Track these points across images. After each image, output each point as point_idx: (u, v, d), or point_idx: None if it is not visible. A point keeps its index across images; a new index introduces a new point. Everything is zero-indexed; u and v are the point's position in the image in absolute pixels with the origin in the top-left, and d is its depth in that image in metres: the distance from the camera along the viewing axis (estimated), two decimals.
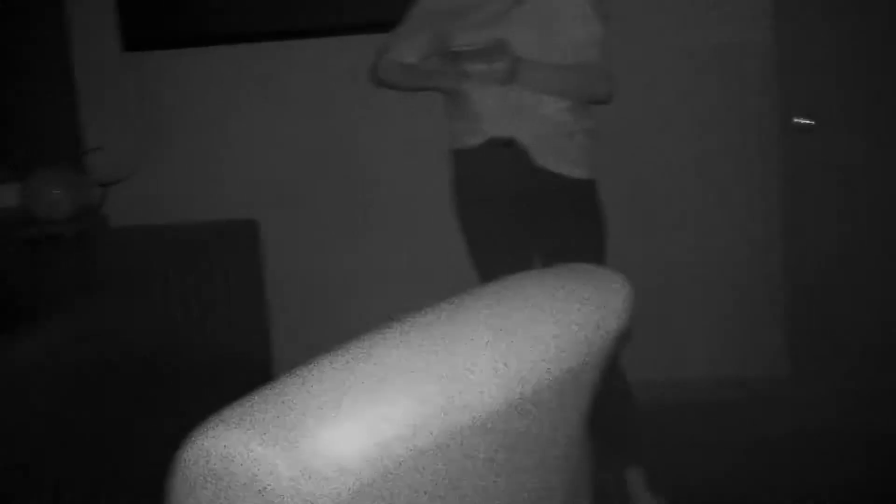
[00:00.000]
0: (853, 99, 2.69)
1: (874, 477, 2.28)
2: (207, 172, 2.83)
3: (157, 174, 2.83)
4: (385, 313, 2.61)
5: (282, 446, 0.56)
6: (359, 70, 2.45)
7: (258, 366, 2.36)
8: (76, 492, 1.29)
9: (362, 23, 2.69)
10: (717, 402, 2.77)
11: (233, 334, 2.15)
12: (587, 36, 2.03)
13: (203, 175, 2.83)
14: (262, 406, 0.59)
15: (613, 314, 0.84)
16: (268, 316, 2.49)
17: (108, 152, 2.67)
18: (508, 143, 2.07)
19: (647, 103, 2.73)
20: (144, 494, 1.64)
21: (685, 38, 2.69)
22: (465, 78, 1.99)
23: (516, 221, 2.15)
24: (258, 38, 2.74)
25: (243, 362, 2.21)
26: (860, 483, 2.25)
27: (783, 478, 2.33)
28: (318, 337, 2.84)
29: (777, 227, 2.78)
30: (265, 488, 0.56)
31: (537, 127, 2.05)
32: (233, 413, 0.59)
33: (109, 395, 1.43)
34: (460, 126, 2.13)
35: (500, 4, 2.04)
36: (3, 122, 2.62)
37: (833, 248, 2.76)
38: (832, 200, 2.76)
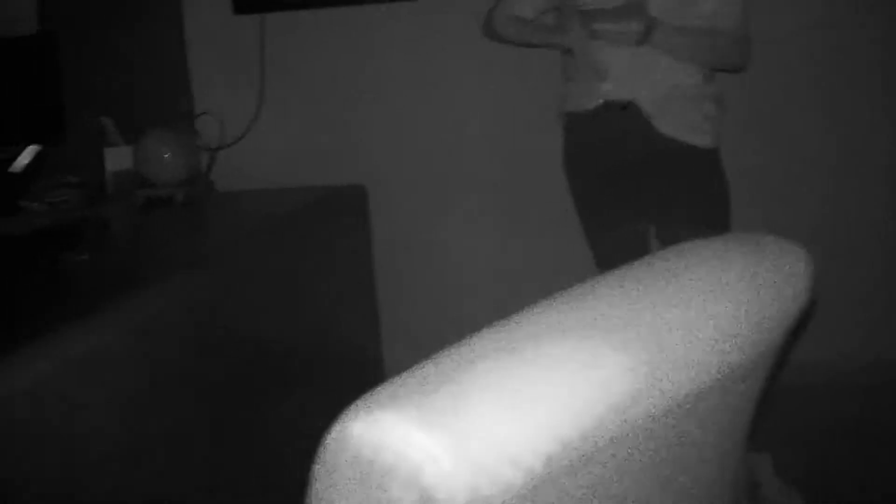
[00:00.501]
0: None
1: None
2: (315, 137, 2.79)
3: (265, 138, 2.81)
4: (494, 288, 2.58)
5: (445, 433, 0.49)
6: (475, 34, 2.36)
7: (365, 336, 2.32)
8: (175, 469, 1.26)
9: None
10: (852, 385, 2.60)
11: (339, 302, 2.11)
12: (728, 2, 1.91)
13: (310, 139, 2.80)
14: (419, 388, 0.52)
15: (798, 292, 0.73)
16: (374, 284, 2.46)
17: (217, 116, 2.65)
18: (626, 107, 1.95)
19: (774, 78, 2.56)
20: (251, 474, 1.62)
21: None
22: (592, 37, 1.89)
23: (632, 191, 2.04)
24: (370, 0, 2.68)
25: (349, 332, 2.18)
26: None
27: None
28: (425, 309, 2.79)
29: None
30: (423, 479, 0.49)
31: (661, 91, 1.94)
32: (385, 394, 0.52)
33: (214, 367, 1.39)
34: (576, 87, 2.03)
35: None
36: (117, 86, 2.64)
37: None
38: None
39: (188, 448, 1.27)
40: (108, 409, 1.04)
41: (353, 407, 0.52)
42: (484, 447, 0.49)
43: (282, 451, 1.59)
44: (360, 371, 2.21)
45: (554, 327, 0.59)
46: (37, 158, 2.24)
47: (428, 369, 0.54)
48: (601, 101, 1.96)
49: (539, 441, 0.51)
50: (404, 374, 0.55)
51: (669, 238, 1.99)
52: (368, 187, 2.50)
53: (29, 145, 2.31)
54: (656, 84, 1.93)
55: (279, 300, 1.70)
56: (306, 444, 1.61)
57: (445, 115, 2.75)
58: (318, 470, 0.52)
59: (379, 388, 0.53)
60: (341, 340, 2.08)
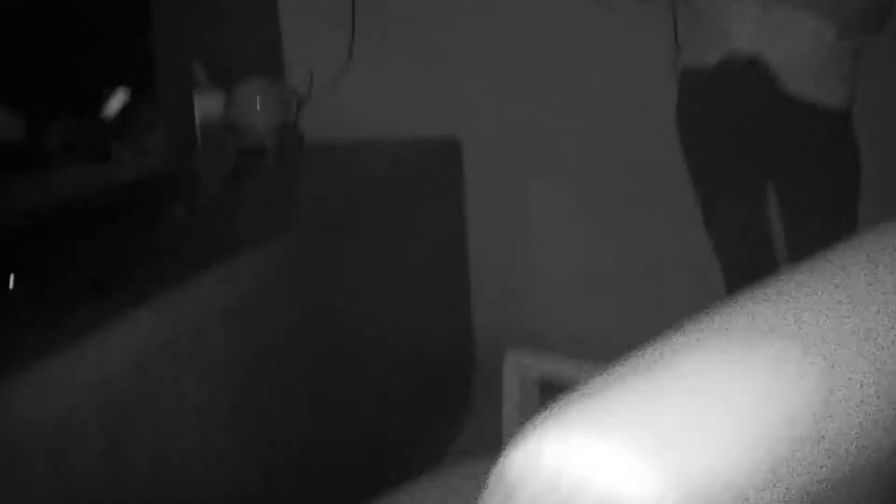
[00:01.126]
0: None
1: None
2: (407, 88, 2.71)
3: (355, 89, 2.74)
4: (590, 258, 2.48)
5: (656, 456, 0.41)
6: None
7: (456, 302, 2.26)
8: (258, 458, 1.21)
9: None
10: None
11: (429, 260, 2.05)
12: None
13: (402, 90, 2.72)
14: (616, 401, 0.44)
15: None
16: (466, 245, 2.38)
17: (306, 65, 2.59)
18: (753, 63, 1.82)
19: None
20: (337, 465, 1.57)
21: None
22: None
23: (752, 155, 1.91)
24: None
25: (439, 298, 2.11)
26: None
27: None
28: (517, 272, 2.71)
29: None
30: None
31: (794, 45, 1.79)
32: (575, 408, 0.44)
33: (311, 327, 1.34)
34: (697, 41, 1.90)
35: None
36: (209, 32, 2.59)
37: None
38: None
39: (288, 415, 1.23)
40: (213, 371, 0.99)
41: (536, 423, 0.44)
42: (698, 472, 0.42)
43: (368, 411, 1.54)
44: (448, 335, 2.15)
45: (757, 330, 0.50)
46: (128, 103, 2.21)
47: (620, 377, 0.46)
48: (725, 55, 1.83)
49: (761, 470, 0.43)
50: (590, 384, 0.47)
51: (791, 207, 1.88)
52: (463, 142, 2.42)
53: (119, 89, 2.28)
54: (787, 39, 1.79)
55: (372, 256, 1.64)
56: (393, 412, 1.56)
57: (551, 68, 2.63)
58: (494, 495, 0.44)
59: (562, 401, 0.46)
60: (430, 300, 2.02)
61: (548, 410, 0.45)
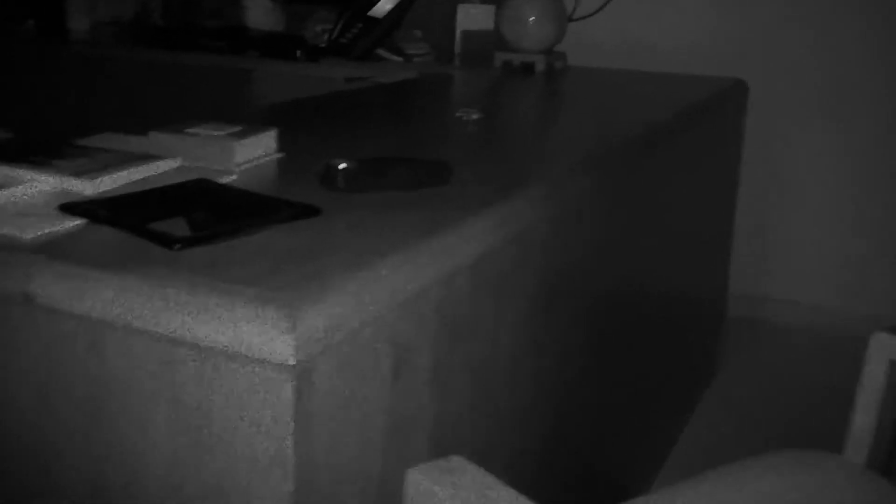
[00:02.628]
0: None
1: None
2: (682, 19, 2.54)
3: (625, 13, 2.59)
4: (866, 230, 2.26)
5: None
6: None
7: (717, 251, 2.11)
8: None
9: None
10: None
11: (703, 206, 1.92)
12: None
13: (677, 22, 2.55)
14: None
15: None
16: (736, 194, 2.23)
17: None
18: None
19: None
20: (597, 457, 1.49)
21: None
22: None
23: None
24: None
25: (706, 244, 1.97)
26: None
27: None
28: (779, 228, 2.54)
29: None
30: None
31: None
32: None
33: (595, 274, 1.25)
34: None
35: None
36: None
37: None
38: None
39: (573, 363, 1.16)
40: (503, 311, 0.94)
41: None
42: None
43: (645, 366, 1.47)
44: (705, 285, 2.03)
45: None
46: (398, 6, 2.17)
47: None
48: None
49: None
50: None
51: None
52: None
53: None
54: None
55: (651, 195, 1.53)
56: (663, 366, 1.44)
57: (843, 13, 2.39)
58: None
59: None
60: (698, 246, 1.90)
61: None
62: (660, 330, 1.68)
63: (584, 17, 2.53)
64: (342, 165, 0.91)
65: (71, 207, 0.76)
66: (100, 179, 0.84)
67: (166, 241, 0.69)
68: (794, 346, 2.44)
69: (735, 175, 2.16)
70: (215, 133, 0.99)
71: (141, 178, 0.89)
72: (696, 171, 1.81)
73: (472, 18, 2.34)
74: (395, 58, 2.21)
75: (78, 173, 0.85)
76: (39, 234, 0.73)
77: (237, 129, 1.02)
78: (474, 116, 1.39)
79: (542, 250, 1.06)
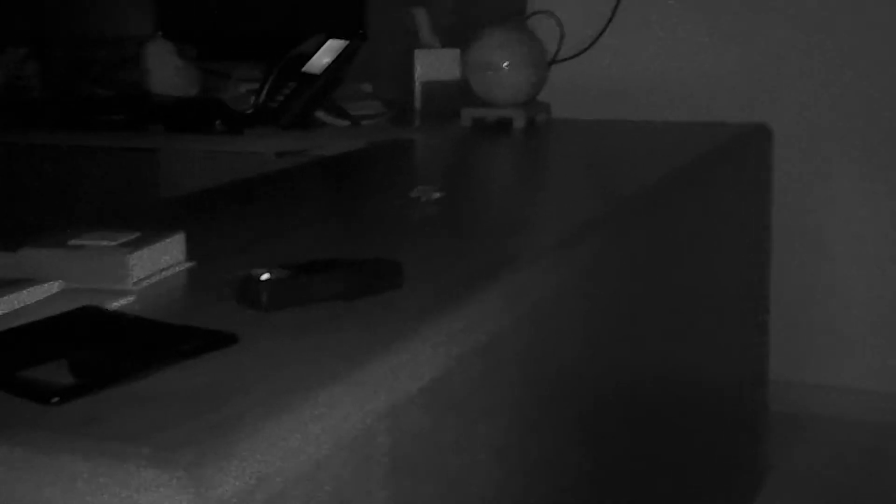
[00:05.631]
0: None
1: None
2: (688, 54, 2.63)
3: (618, 52, 2.68)
4: None
5: None
6: None
7: (750, 325, 2.16)
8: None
9: None
10: None
11: (727, 271, 1.97)
12: None
13: (682, 58, 2.64)
14: None
15: None
16: (769, 254, 2.28)
17: (556, 17, 2.55)
18: None
19: None
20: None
21: None
22: None
23: None
24: None
25: (733, 316, 2.02)
26: None
27: None
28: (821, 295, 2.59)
29: None
30: None
31: None
32: None
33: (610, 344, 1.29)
34: None
35: None
36: None
37: None
38: None
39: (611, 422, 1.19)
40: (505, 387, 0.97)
41: None
42: None
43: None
44: (739, 365, 2.06)
45: None
46: (338, 58, 2.24)
47: None
48: None
49: None
50: None
51: None
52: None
53: (326, 39, 2.31)
54: None
55: (664, 260, 1.58)
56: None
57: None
58: None
59: None
60: (723, 319, 1.94)
61: None
62: (686, 433, 1.70)
63: (568, 59, 2.60)
64: (264, 276, 0.94)
65: None
66: None
67: (41, 393, 0.71)
68: (851, 441, 2.48)
69: (764, 238, 2.22)
70: (105, 244, 1.02)
71: (9, 309, 0.92)
72: (715, 236, 1.86)
73: (432, 67, 2.41)
74: (339, 122, 2.27)
75: None
76: None
77: (133, 235, 1.05)
78: (434, 195, 1.44)
79: (521, 355, 1.08)
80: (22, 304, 0.93)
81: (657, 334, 1.54)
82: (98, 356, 0.79)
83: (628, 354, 1.40)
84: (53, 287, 0.97)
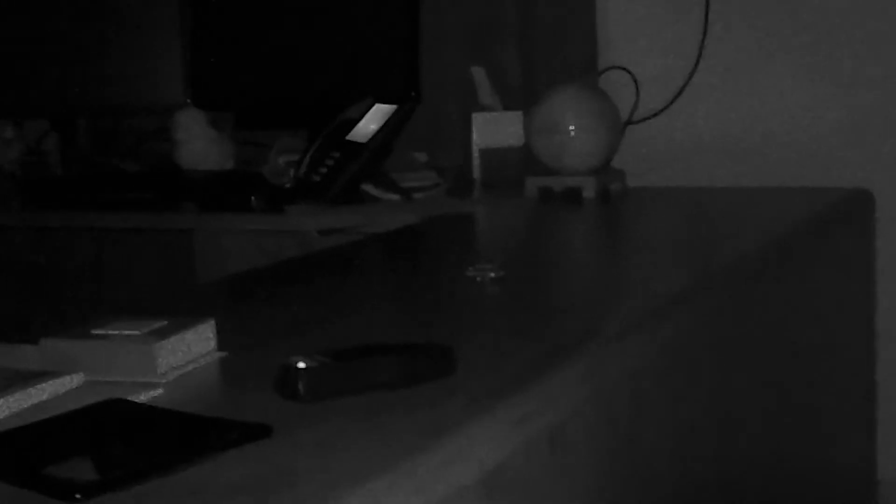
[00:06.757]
0: None
1: None
2: (778, 115, 2.66)
3: (700, 110, 2.72)
4: None
5: None
6: None
7: (854, 415, 2.16)
8: None
9: None
10: None
11: (827, 352, 1.98)
12: None
13: (770, 119, 2.66)
14: None
15: None
16: (874, 332, 2.29)
17: (634, 75, 2.60)
18: None
19: None
20: None
21: None
22: None
23: None
24: None
25: (834, 402, 2.02)
26: None
27: None
28: None
29: None
30: None
31: None
32: None
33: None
34: None
35: None
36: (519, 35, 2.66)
37: None
38: None
39: None
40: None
41: None
42: None
43: None
44: (842, 458, 2.06)
45: None
46: (387, 124, 2.30)
47: None
48: None
49: None
50: None
51: None
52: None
53: (374, 103, 2.38)
54: None
55: (754, 368, 1.61)
56: None
57: None
58: None
59: None
60: (823, 406, 1.95)
61: None
62: None
63: (645, 120, 2.64)
64: (302, 365, 0.98)
65: None
66: None
67: (65, 491, 0.76)
68: None
69: (869, 317, 2.22)
70: (131, 333, 1.08)
71: (29, 404, 0.97)
72: (814, 315, 1.89)
73: (492, 131, 2.48)
74: (389, 195, 2.32)
75: None
76: None
77: (161, 323, 1.10)
78: (492, 275, 1.48)
79: (591, 446, 1.11)
80: (43, 398, 0.99)
81: (749, 424, 1.56)
82: (124, 451, 0.84)
83: (715, 446, 1.42)
84: (76, 380, 1.03)
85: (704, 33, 2.66)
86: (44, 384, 1.00)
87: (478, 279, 1.48)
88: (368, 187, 2.31)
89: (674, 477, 1.31)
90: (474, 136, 2.48)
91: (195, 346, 1.10)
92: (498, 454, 0.95)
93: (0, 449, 0.86)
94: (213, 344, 1.13)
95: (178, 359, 1.08)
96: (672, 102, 2.67)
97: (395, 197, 2.31)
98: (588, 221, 2.14)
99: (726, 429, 1.47)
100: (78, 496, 0.75)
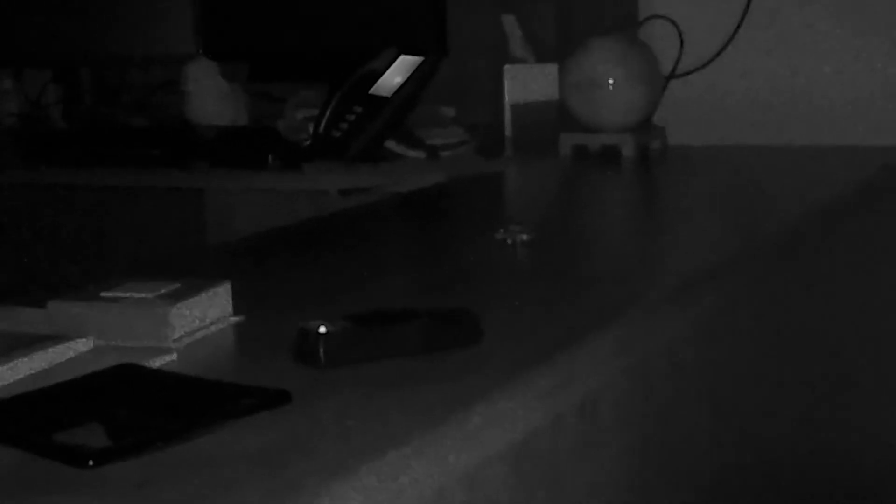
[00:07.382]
0: None
1: None
2: (822, 69, 2.65)
3: (748, 64, 2.72)
4: None
5: None
6: None
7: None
8: None
9: None
10: None
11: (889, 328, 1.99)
12: None
13: (828, 75, 2.66)
14: None
15: None
16: None
17: (674, 25, 2.60)
18: None
19: None
20: None
21: None
22: None
23: None
24: None
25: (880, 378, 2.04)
26: None
27: None
28: None
29: None
30: None
31: None
32: None
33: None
34: None
35: None
36: None
37: None
38: None
39: None
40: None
41: None
42: None
43: None
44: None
45: None
46: (413, 77, 2.31)
47: None
48: None
49: None
50: None
51: None
52: None
53: (398, 55, 2.38)
54: None
55: (803, 343, 1.62)
56: None
57: None
58: None
59: None
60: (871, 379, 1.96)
61: None
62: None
63: (688, 73, 2.64)
64: (322, 329, 1.01)
65: None
66: None
67: (77, 457, 0.79)
68: None
69: None
70: (142, 296, 1.10)
71: (37, 369, 1.00)
72: (863, 289, 1.88)
73: (525, 86, 2.48)
74: (414, 153, 2.33)
75: None
76: None
77: (174, 286, 1.13)
78: (523, 237, 1.49)
79: (623, 420, 1.13)
80: (51, 363, 1.02)
81: (791, 404, 1.57)
82: (136, 417, 0.87)
83: (754, 425, 1.44)
84: (85, 344, 1.06)
85: None
86: (52, 348, 1.02)
87: (508, 242, 1.50)
88: (392, 144, 2.32)
89: (709, 456, 1.33)
90: (505, 90, 2.48)
91: (210, 311, 1.13)
92: (525, 426, 0.97)
93: (10, 414, 0.88)
94: (228, 308, 1.15)
95: (193, 323, 1.10)
96: (717, 55, 2.67)
97: (420, 155, 2.32)
98: (625, 182, 2.15)
99: (766, 407, 1.48)
100: (91, 462, 0.78)
